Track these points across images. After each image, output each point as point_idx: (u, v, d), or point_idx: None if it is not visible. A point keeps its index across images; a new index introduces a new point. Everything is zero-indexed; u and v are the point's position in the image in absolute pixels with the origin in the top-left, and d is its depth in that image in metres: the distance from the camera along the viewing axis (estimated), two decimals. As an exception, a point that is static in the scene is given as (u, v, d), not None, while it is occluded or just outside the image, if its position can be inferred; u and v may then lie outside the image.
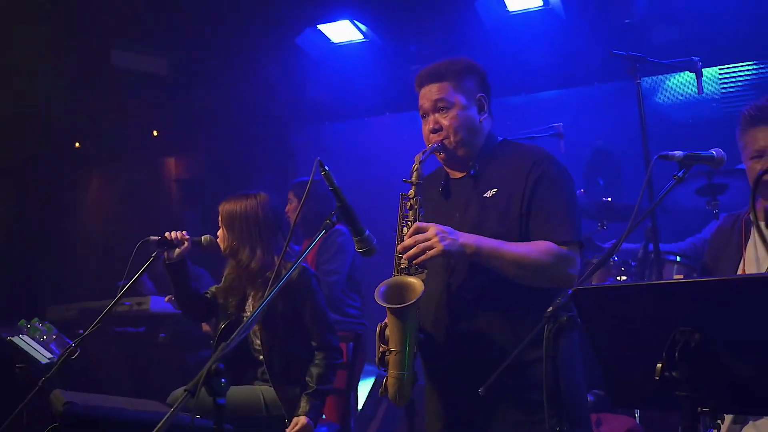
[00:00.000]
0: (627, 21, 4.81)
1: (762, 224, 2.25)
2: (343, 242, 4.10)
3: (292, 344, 3.07)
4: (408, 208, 2.22)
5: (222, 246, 3.13)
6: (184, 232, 3.07)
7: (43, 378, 2.62)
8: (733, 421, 2.20)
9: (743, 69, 4.96)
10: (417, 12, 5.10)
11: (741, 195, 3.63)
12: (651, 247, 3.46)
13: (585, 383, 2.24)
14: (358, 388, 4.29)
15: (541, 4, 4.84)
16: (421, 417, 2.39)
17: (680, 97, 5.08)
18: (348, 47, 5.44)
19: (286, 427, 3.00)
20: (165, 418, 1.63)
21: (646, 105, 3.41)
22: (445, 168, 2.38)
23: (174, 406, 1.65)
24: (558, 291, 2.02)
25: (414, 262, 2.10)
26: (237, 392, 2.98)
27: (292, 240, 4.39)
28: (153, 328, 5.00)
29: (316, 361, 3.04)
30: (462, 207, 2.27)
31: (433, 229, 2.09)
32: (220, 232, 3.16)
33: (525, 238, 2.18)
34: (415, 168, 2.22)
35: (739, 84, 4.97)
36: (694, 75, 3.49)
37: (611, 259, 3.72)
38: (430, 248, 2.07)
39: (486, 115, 2.32)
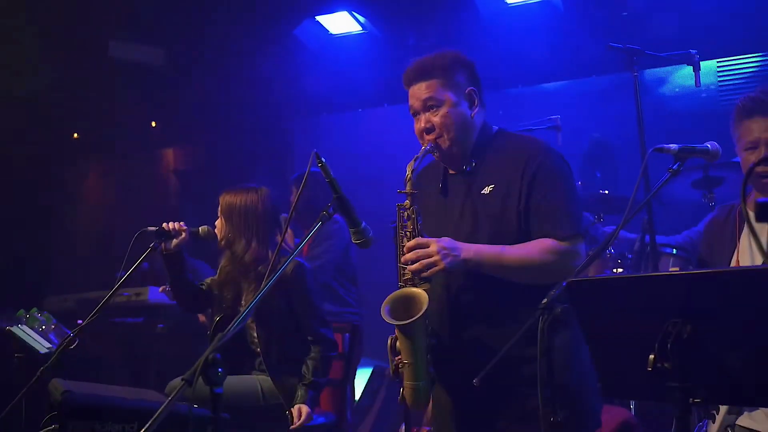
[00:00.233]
0: (624, 13, 4.81)
1: (752, 215, 2.27)
2: (335, 230, 4.11)
3: (288, 336, 3.09)
4: (406, 218, 2.21)
5: (218, 236, 3.14)
6: (181, 223, 3.08)
7: (41, 367, 2.63)
8: (728, 412, 2.22)
9: (742, 62, 4.96)
10: (415, 4, 5.10)
11: (737, 188, 3.63)
12: (647, 239, 3.48)
13: (592, 373, 2.23)
14: (355, 379, 4.31)
15: (540, -4, 4.84)
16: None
17: (678, 90, 5.09)
18: (346, 39, 5.43)
19: (284, 417, 3.02)
20: (162, 406, 1.64)
21: (643, 98, 3.41)
22: (443, 164, 2.37)
23: (171, 396, 1.67)
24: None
25: (418, 277, 2.12)
26: (234, 382, 3.00)
27: (299, 233, 4.40)
28: (151, 318, 5.02)
29: (312, 354, 3.07)
30: (460, 204, 2.26)
31: (434, 246, 2.09)
32: (218, 222, 3.17)
33: (525, 234, 2.18)
34: (407, 178, 2.19)
35: (738, 77, 4.97)
36: (691, 68, 3.50)
37: (608, 252, 3.74)
38: (433, 265, 2.08)
39: (478, 108, 2.29)
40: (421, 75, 2.27)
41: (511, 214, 2.18)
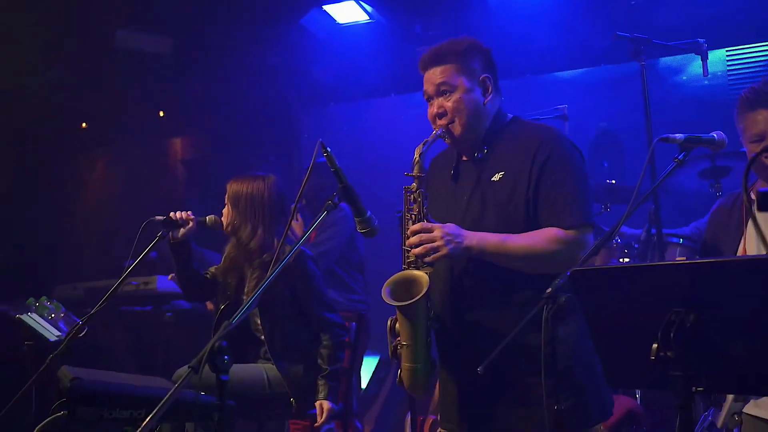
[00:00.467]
0: (632, 2, 4.78)
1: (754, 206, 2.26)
2: (341, 218, 4.12)
3: (292, 324, 3.11)
4: (412, 201, 2.21)
5: (224, 223, 3.16)
6: (189, 212, 3.10)
7: (51, 355, 2.66)
8: (735, 399, 2.23)
9: (751, 51, 4.93)
10: (423, -7, 5.09)
11: (744, 178, 3.62)
12: (654, 229, 3.48)
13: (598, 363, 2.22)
14: (362, 367, 4.33)
15: (547, -16, 4.82)
16: (423, 396, 2.42)
17: (686, 80, 5.06)
18: (353, 28, 5.42)
19: (290, 405, 3.04)
20: (169, 393, 1.66)
21: (650, 87, 3.40)
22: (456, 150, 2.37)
23: (178, 383, 1.68)
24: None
25: (421, 261, 2.12)
26: (241, 370, 3.02)
27: (309, 222, 4.42)
28: (159, 307, 5.05)
29: (324, 343, 3.08)
30: (469, 191, 2.26)
31: (438, 231, 2.09)
32: (224, 210, 3.19)
33: (533, 222, 2.17)
34: (416, 161, 2.20)
35: (748, 66, 4.94)
36: (700, 57, 3.48)
37: (614, 242, 3.74)
38: (436, 250, 2.08)
39: (492, 95, 2.28)
40: (436, 60, 2.28)
41: (520, 201, 2.17)
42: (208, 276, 3.26)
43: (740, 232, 2.30)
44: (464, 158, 2.34)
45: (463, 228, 2.14)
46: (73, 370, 2.61)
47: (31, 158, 6.13)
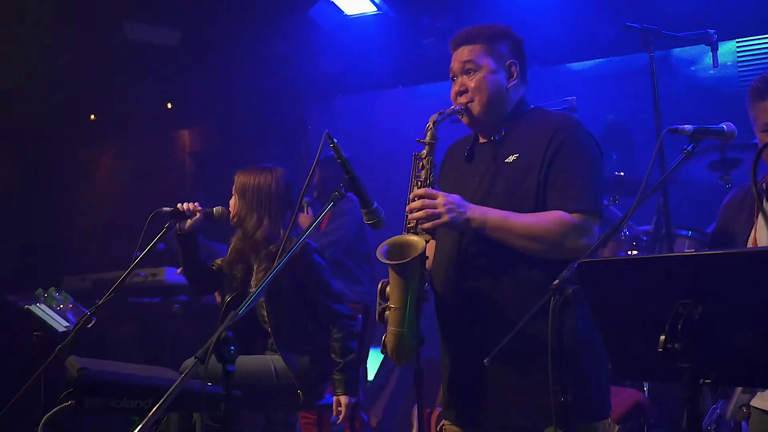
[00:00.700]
0: (642, -8, 4.75)
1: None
2: (350, 208, 4.12)
3: (299, 316, 3.11)
4: (420, 168, 2.21)
5: (231, 214, 3.16)
6: (196, 204, 3.11)
7: (59, 345, 2.67)
8: (743, 391, 2.22)
9: (762, 42, 4.89)
10: (430, -16, 5.07)
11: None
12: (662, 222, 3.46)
13: (602, 357, 2.17)
14: (368, 359, 4.34)
15: (556, -25, 4.79)
16: (430, 388, 2.41)
17: (696, 71, 5.03)
18: (361, 19, 5.40)
19: (297, 397, 3.05)
20: (176, 384, 1.67)
21: (659, 78, 3.38)
22: (473, 132, 2.36)
23: (184, 373, 1.69)
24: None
25: (420, 226, 2.11)
26: (248, 361, 3.03)
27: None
28: (167, 298, 5.07)
29: (334, 336, 3.08)
30: (482, 171, 2.25)
31: (442, 198, 2.09)
32: (232, 201, 3.19)
33: (541, 205, 2.15)
34: (428, 127, 2.21)
35: (759, 57, 4.90)
36: (710, 48, 3.45)
37: (622, 234, 3.73)
38: (436, 216, 2.07)
39: (516, 81, 2.28)
40: (466, 39, 2.29)
41: (531, 183, 2.15)
42: (214, 268, 3.27)
43: (751, 224, 2.29)
44: (480, 141, 2.33)
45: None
46: (80, 361, 2.63)
47: (40, 150, 6.16)
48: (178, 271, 4.66)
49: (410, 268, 2.08)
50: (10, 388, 2.79)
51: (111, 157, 6.79)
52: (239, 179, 3.18)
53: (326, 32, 5.43)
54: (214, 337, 1.67)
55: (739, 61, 4.94)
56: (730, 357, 1.47)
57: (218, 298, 4.44)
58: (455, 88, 2.29)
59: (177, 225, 3.09)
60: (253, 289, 3.09)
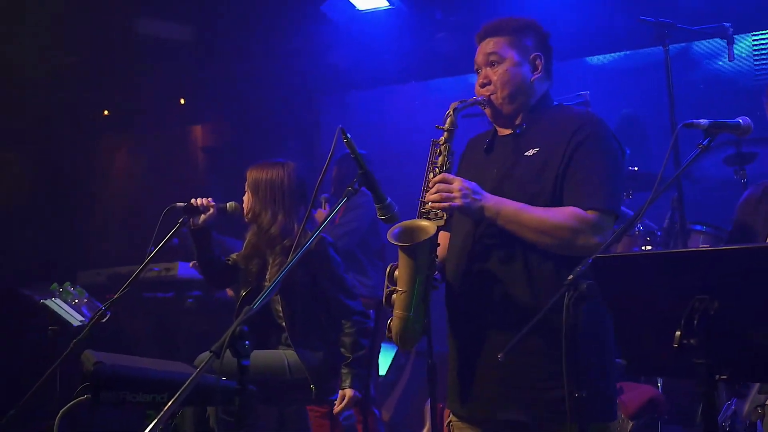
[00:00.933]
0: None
1: None
2: (364, 201, 4.13)
3: (313, 311, 3.12)
4: (438, 154, 2.20)
5: (245, 210, 3.17)
6: (209, 199, 3.12)
7: (74, 339, 2.69)
8: (759, 391, 2.21)
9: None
10: (443, -22, 5.05)
11: (770, 164, 3.58)
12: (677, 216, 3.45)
13: (614, 347, 2.16)
14: (380, 354, 4.34)
15: (569, -31, 4.76)
16: (443, 383, 2.39)
17: (711, 65, 4.98)
18: (373, 14, 5.40)
19: (309, 391, 3.06)
20: (191, 378, 1.67)
21: (674, 72, 3.36)
22: (495, 125, 2.35)
23: (200, 367, 1.70)
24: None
25: (431, 206, 2.11)
26: (262, 356, 3.04)
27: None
28: (181, 293, 5.10)
29: (346, 331, 3.09)
30: (501, 163, 2.24)
31: (458, 183, 2.08)
32: (245, 197, 3.20)
33: (557, 200, 2.14)
34: (448, 114, 2.20)
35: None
36: (725, 42, 3.43)
37: (636, 229, 3.71)
38: (450, 200, 2.07)
39: (540, 75, 2.27)
40: (491, 32, 2.29)
41: (549, 178, 2.14)
42: (229, 262, 3.28)
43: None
44: (501, 133, 2.32)
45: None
46: (96, 354, 2.65)
47: (54, 146, 6.20)
48: (191, 265, 4.69)
49: (419, 251, 2.07)
50: (26, 382, 2.82)
51: (125, 153, 6.82)
52: (251, 175, 3.19)
53: (338, 27, 5.43)
54: (229, 332, 1.68)
55: (755, 55, 4.90)
56: (745, 353, 1.47)
57: (230, 293, 4.46)
58: (479, 80, 2.28)
59: (191, 220, 3.10)
60: (268, 284, 3.10)
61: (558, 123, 2.22)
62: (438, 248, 2.14)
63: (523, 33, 2.28)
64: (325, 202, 4.56)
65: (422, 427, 3.90)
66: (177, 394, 1.65)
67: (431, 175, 2.18)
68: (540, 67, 2.27)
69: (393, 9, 5.34)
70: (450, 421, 2.29)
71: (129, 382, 2.55)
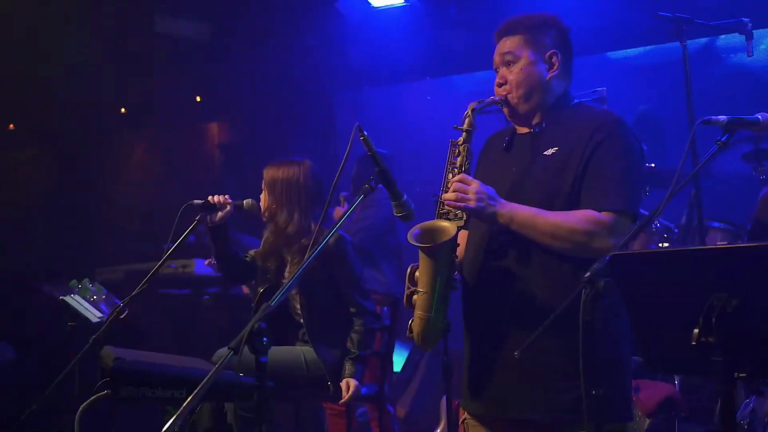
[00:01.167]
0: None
1: None
2: (379, 199, 4.13)
3: (330, 308, 3.14)
4: (456, 154, 2.20)
5: (262, 209, 3.19)
6: (226, 196, 3.14)
7: (93, 335, 2.72)
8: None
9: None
10: (458, -25, 5.04)
11: (789, 160, 3.54)
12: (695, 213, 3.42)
13: (629, 346, 2.15)
14: (395, 351, 4.35)
15: (585, -36, 4.72)
16: (459, 379, 2.39)
17: (729, 60, 4.94)
18: (388, 11, 5.39)
19: (326, 388, 3.08)
20: (210, 374, 1.69)
21: (692, 68, 3.33)
22: (514, 124, 2.34)
23: (218, 363, 1.71)
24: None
25: (447, 205, 2.11)
26: (279, 352, 3.06)
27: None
28: (197, 290, 5.13)
29: (356, 327, 3.11)
30: (519, 162, 2.23)
31: (475, 185, 2.08)
32: (262, 195, 3.22)
33: (575, 200, 2.12)
34: (467, 114, 2.19)
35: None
36: (744, 37, 3.39)
37: (653, 226, 3.69)
38: (465, 201, 2.07)
39: (557, 72, 2.23)
40: (508, 30, 2.27)
41: (568, 178, 2.12)
42: (247, 258, 3.30)
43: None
44: (520, 131, 2.31)
45: (502, 197, 2.12)
46: (116, 351, 2.67)
47: (72, 144, 6.26)
48: (206, 262, 4.72)
49: (440, 252, 2.07)
50: (45, 377, 2.86)
51: (142, 150, 6.87)
52: (268, 174, 3.21)
53: (353, 24, 5.44)
54: (248, 328, 1.69)
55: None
56: (764, 350, 1.46)
57: (246, 290, 4.48)
58: (497, 80, 2.27)
59: (208, 217, 3.12)
60: (286, 281, 3.12)
61: (577, 122, 2.20)
62: (457, 248, 2.14)
63: (540, 30, 2.25)
64: (344, 200, 4.57)
65: (437, 423, 3.90)
66: (196, 390, 1.66)
67: (450, 175, 2.17)
68: (557, 65, 2.24)
69: (408, 6, 5.33)
70: (465, 419, 2.29)
71: (148, 378, 2.57)
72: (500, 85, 2.25)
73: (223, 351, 2.98)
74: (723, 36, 4.75)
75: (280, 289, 1.83)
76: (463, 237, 2.26)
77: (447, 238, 2.07)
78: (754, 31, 3.39)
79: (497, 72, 2.28)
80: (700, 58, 4.87)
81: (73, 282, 3.54)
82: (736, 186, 4.01)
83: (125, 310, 2.80)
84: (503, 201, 2.11)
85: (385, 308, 3.59)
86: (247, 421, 2.93)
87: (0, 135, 6.39)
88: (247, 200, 3.20)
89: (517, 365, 2.02)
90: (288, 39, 5.56)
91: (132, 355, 2.69)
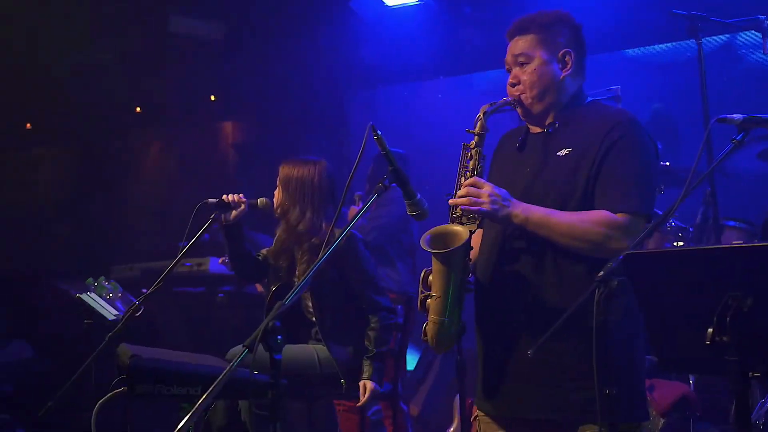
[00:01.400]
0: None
1: None
2: (394, 198, 4.14)
3: (342, 305, 3.15)
4: (468, 158, 2.20)
5: (275, 205, 3.21)
6: (241, 195, 3.15)
7: (109, 333, 2.75)
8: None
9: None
10: (472, -27, 5.03)
11: (806, 159, 3.51)
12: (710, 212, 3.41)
13: (642, 345, 2.15)
14: (408, 350, 4.35)
15: (600, -38, 4.70)
16: (472, 378, 2.39)
17: (745, 58, 4.90)
18: (402, 10, 5.39)
19: (339, 385, 3.09)
20: (225, 371, 1.70)
21: (707, 66, 3.31)
22: (527, 123, 2.33)
23: (233, 361, 1.72)
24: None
25: (460, 209, 2.11)
26: (292, 350, 3.07)
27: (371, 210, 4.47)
28: (211, 288, 5.16)
29: (372, 325, 3.12)
30: (533, 163, 2.23)
31: (488, 188, 2.08)
32: (276, 192, 3.24)
33: (589, 201, 2.11)
34: (478, 118, 2.19)
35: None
36: (760, 34, 3.37)
37: (668, 225, 3.67)
38: (478, 205, 2.07)
39: (570, 71, 2.22)
40: (520, 30, 2.25)
41: (581, 178, 2.11)
42: (260, 257, 3.32)
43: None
44: (535, 131, 2.30)
45: (516, 197, 2.11)
46: (132, 348, 2.70)
47: (88, 143, 6.31)
48: (220, 261, 4.75)
49: (453, 257, 2.08)
50: (61, 375, 2.88)
51: (157, 149, 6.92)
52: (283, 171, 3.23)
53: (367, 23, 5.44)
54: (262, 326, 1.71)
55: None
56: (780, 350, 1.45)
57: (259, 289, 4.51)
58: (509, 80, 2.26)
59: (222, 216, 3.14)
60: (297, 280, 3.13)
61: (591, 122, 2.19)
62: (470, 251, 2.14)
63: (553, 29, 2.23)
64: (359, 199, 4.59)
65: (451, 422, 3.91)
66: (211, 388, 1.68)
67: (462, 179, 2.17)
68: (570, 64, 2.22)
69: (421, 4, 5.33)
70: (477, 415, 2.29)
71: (164, 375, 2.59)
72: (513, 86, 2.24)
73: (238, 349, 3.01)
74: (739, 34, 4.71)
75: (294, 287, 1.84)
76: (477, 238, 2.26)
77: (460, 243, 2.07)
78: (770, 28, 3.37)
79: (510, 72, 2.28)
80: (716, 56, 4.83)
81: (89, 280, 3.56)
82: (751, 184, 3.98)
83: (141, 308, 2.82)
84: (516, 202, 2.10)
85: (399, 306, 3.60)
86: (261, 419, 2.94)
87: (17, 134, 6.46)
88: (261, 199, 3.21)
89: (531, 365, 2.02)
90: (302, 38, 5.58)
91: (148, 353, 2.71)
